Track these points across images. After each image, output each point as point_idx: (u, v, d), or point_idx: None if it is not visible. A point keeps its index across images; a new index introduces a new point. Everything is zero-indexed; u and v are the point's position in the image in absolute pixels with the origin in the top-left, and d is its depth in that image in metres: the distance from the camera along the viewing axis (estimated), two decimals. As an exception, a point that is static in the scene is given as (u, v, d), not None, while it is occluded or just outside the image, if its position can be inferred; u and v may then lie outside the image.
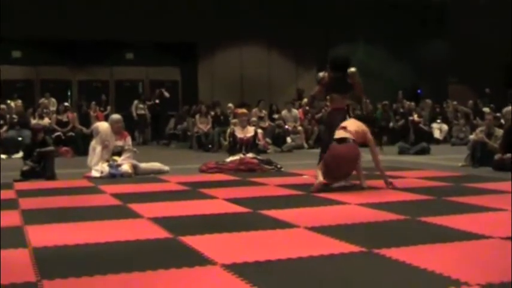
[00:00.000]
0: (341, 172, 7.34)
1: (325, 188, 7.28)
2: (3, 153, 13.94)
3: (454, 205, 6.22)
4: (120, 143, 9.91)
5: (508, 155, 9.63)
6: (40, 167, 9.32)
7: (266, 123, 16.89)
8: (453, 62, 23.46)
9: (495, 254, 4.12)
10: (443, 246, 4.31)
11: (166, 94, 19.89)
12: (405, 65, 23.81)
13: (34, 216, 5.76)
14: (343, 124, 7.54)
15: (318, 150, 9.27)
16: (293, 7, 22.13)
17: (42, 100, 17.78)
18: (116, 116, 10.42)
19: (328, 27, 22.47)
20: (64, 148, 14.63)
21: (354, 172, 7.62)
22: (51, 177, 9.19)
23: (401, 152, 13.81)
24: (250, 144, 10.88)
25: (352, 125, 7.53)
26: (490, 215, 5.60)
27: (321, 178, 7.27)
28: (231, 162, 10.31)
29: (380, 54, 23.69)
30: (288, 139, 16.22)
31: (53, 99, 18.74)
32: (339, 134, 7.40)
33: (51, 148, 9.80)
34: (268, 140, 15.44)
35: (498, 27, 21.57)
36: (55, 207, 6.47)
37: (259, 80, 22.55)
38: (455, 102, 19.93)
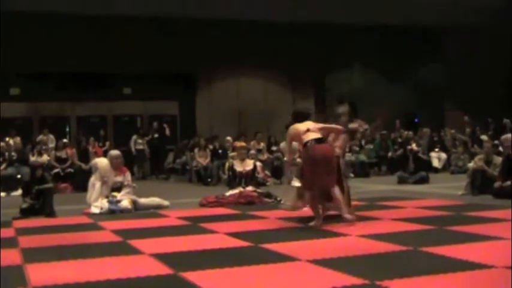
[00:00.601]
0: (320, 175, 7.22)
1: (325, 220, 7.27)
2: (2, 191, 13.91)
3: (455, 234, 6.21)
4: (119, 178, 9.90)
5: (508, 182, 9.63)
6: (39, 204, 9.28)
7: (265, 156, 16.88)
8: (449, 88, 23.63)
9: (497, 283, 4.10)
10: (445, 276, 4.30)
11: (168, 132, 19.91)
12: (401, 90, 23.92)
13: (34, 255, 5.74)
14: (305, 128, 7.53)
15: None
16: (288, 35, 22.27)
17: (41, 137, 17.79)
18: (115, 152, 10.42)
19: (324, 55, 22.61)
20: (63, 184, 14.60)
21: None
22: (51, 214, 9.15)
23: (401, 181, 13.79)
24: (250, 177, 10.87)
25: (310, 125, 7.56)
26: (491, 244, 5.59)
27: (319, 214, 7.25)
28: (231, 195, 10.30)
29: (376, 80, 23.80)
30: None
31: (51, 136, 18.73)
32: (310, 135, 7.40)
33: (49, 185, 9.78)
34: (267, 172, 15.44)
35: (495, 53, 21.68)
36: (55, 245, 6.44)
37: (257, 110, 22.63)
38: (453, 131, 19.93)
